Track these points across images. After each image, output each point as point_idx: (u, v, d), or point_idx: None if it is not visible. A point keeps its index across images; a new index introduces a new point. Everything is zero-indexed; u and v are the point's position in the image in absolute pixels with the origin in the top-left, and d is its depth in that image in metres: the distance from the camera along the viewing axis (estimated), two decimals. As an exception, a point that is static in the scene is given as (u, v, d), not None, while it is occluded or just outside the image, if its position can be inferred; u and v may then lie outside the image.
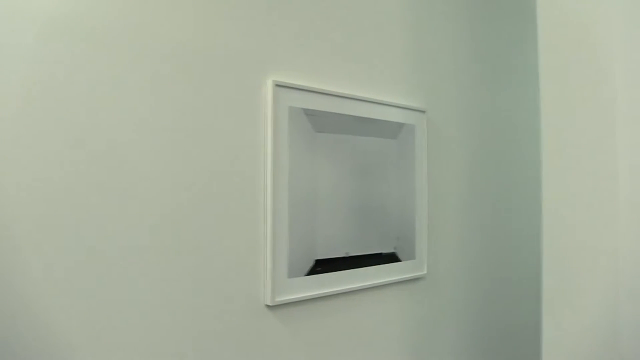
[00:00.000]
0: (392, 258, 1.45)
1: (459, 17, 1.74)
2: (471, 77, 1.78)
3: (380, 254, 1.42)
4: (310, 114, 1.24)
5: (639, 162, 0.96)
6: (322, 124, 1.27)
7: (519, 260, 1.97)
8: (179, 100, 1.02)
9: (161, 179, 0.99)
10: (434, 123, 1.61)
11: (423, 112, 1.55)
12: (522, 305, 1.97)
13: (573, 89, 1.06)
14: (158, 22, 0.99)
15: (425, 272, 1.56)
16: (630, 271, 0.96)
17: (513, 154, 1.95)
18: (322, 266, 1.26)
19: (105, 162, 0.92)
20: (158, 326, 0.98)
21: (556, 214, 1.09)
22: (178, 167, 1.01)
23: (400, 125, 1.48)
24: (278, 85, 1.16)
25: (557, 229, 1.09)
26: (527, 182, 1.98)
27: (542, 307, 1.09)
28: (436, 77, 1.64)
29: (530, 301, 1.92)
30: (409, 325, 1.54)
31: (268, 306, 1.15)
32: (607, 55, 0.99)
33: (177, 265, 1.01)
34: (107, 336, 0.91)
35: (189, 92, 1.03)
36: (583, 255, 1.04)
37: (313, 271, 1.24)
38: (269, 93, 1.15)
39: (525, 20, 1.99)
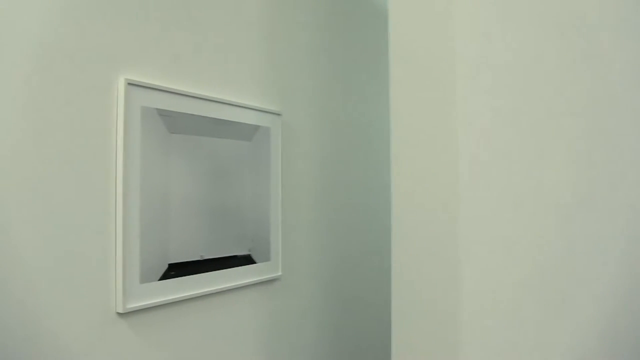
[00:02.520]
0: (247, 260, 1.55)
1: (316, 22, 1.91)
2: (327, 81, 1.96)
3: (236, 256, 1.51)
4: (164, 114, 1.28)
5: (473, 168, 1.18)
6: (176, 125, 1.32)
7: (373, 258, 2.21)
8: (23, 99, 1.00)
9: (5, 183, 0.96)
10: (289, 126, 1.75)
11: (278, 115, 1.68)
12: (376, 304, 2.21)
13: (420, 98, 1.26)
14: (-7, 10, 0.96)
15: (280, 273, 1.69)
16: (467, 271, 1.18)
17: (366, 157, 2.18)
18: (176, 270, 1.31)
19: None
20: (-8, 342, 0.95)
21: (404, 215, 1.29)
22: (24, 171, 0.99)
23: (255, 128, 1.59)
24: (131, 84, 1.19)
25: (405, 229, 1.28)
26: (379, 183, 2.24)
27: (392, 305, 1.28)
28: (292, 80, 1.78)
29: (384, 299, 2.17)
30: (266, 327, 1.65)
31: (119, 314, 1.17)
32: (451, 72, 1.21)
33: (20, 273, 0.98)
34: None
35: (32, 90, 1.01)
36: (427, 254, 1.24)
37: (167, 275, 1.28)
38: (120, 92, 1.17)
39: (381, 29, 2.24)
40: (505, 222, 1.23)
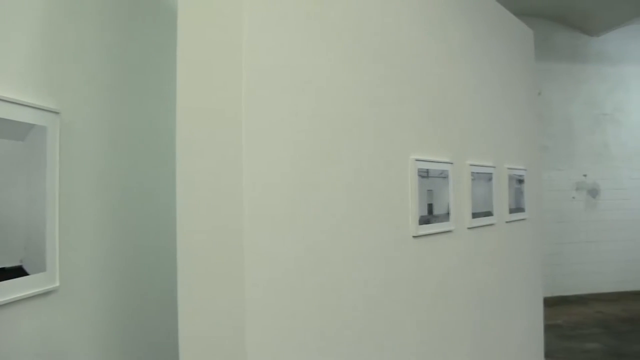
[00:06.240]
0: (18, 272, 1.43)
1: (102, 18, 1.83)
2: (114, 81, 1.90)
3: (4, 268, 1.39)
4: None
5: (259, 170, 1.28)
6: None
7: (160, 263, 2.19)
8: None
9: None
10: (70, 125, 1.66)
11: (57, 113, 1.58)
12: (167, 307, 2.19)
13: (206, 102, 1.32)
14: None
15: (57, 284, 1.59)
16: (251, 274, 1.27)
17: (154, 159, 2.16)
18: None
19: None
20: None
21: (189, 220, 1.34)
22: None
23: (29, 126, 1.47)
24: None
25: (191, 235, 1.33)
26: (167, 184, 2.23)
27: (179, 310, 1.31)
28: (74, 78, 1.69)
29: (172, 303, 2.16)
30: (40, 345, 1.54)
31: None
32: (237, 71, 1.29)
33: None
34: None
35: None
36: (213, 256, 1.31)
37: None
38: None
39: (169, 26, 2.23)
40: (283, 212, 1.37)
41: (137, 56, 2.07)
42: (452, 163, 2.16)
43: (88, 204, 1.77)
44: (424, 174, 1.94)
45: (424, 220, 1.92)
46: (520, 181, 2.91)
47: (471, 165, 2.34)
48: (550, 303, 4.81)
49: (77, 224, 1.71)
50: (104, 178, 1.86)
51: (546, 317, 3.33)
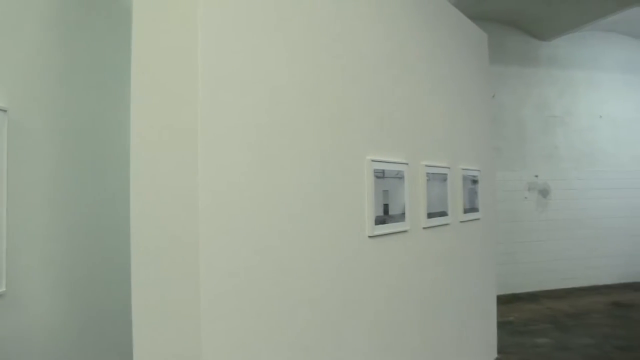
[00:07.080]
0: (-39, 276, 1.38)
1: (53, 14, 1.78)
2: (65, 78, 1.85)
3: (-54, 273, 1.33)
4: None
5: (215, 173, 1.28)
6: None
7: (115, 266, 2.14)
8: None
9: None
10: (17, 123, 1.61)
11: (4, 111, 1.53)
12: (120, 314, 2.14)
13: (162, 105, 1.31)
14: None
15: (4, 289, 1.54)
16: (207, 278, 1.26)
17: (108, 158, 2.11)
18: None
19: None
20: None
21: (143, 218, 1.32)
22: None
23: (-26, 124, 1.42)
24: None
25: (145, 232, 1.31)
26: (120, 184, 2.18)
27: (133, 319, 1.29)
28: (24, 74, 1.64)
29: (128, 309, 2.12)
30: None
31: None
32: (193, 72, 1.28)
33: None
34: None
35: None
36: (168, 261, 1.29)
37: None
38: None
39: (124, 25, 2.19)
40: (239, 216, 1.37)
41: (90, 54, 2.03)
42: (407, 164, 2.20)
43: (38, 205, 1.72)
44: (380, 175, 1.97)
45: (379, 221, 1.96)
46: (475, 182, 2.99)
47: (426, 165, 2.39)
48: (504, 300, 4.96)
49: (26, 225, 1.66)
50: (56, 178, 1.81)
51: (499, 314, 3.43)
